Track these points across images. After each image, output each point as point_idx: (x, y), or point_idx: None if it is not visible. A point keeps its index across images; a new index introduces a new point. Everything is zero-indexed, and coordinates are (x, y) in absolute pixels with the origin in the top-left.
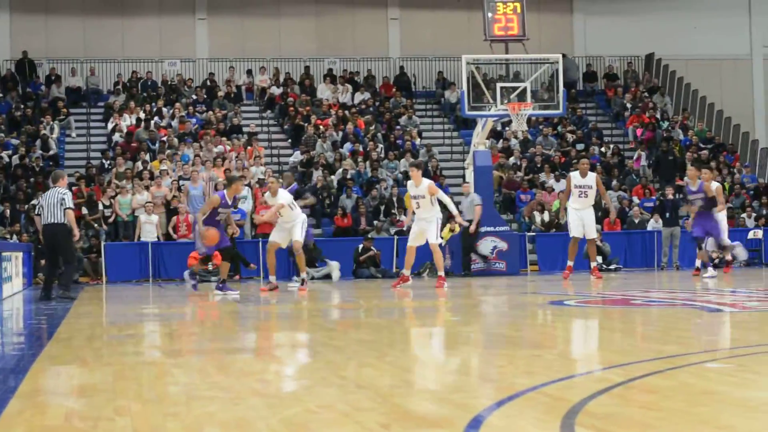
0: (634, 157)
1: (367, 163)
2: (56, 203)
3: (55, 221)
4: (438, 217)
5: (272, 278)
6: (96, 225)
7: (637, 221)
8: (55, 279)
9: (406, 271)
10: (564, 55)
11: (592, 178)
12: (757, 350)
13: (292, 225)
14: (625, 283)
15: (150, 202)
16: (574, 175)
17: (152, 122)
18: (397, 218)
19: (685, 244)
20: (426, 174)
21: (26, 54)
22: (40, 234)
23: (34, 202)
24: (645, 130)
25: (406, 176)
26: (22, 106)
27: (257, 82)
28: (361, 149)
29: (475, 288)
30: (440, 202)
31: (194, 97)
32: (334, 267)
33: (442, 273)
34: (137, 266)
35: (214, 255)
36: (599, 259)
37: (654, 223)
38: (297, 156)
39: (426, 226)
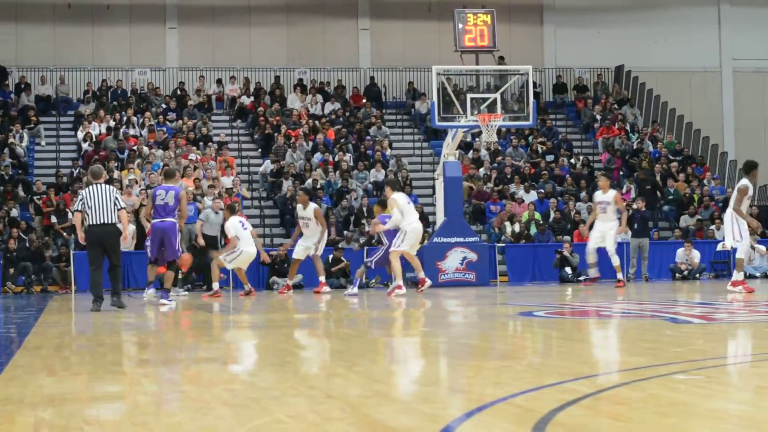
0: (623, 190)
1: (337, 173)
2: (109, 202)
3: (107, 221)
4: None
5: (290, 281)
6: (65, 234)
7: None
8: (100, 283)
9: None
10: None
11: (611, 194)
12: (726, 362)
13: (317, 239)
14: (594, 294)
15: None
16: (597, 194)
17: (121, 131)
18: (367, 229)
19: (654, 255)
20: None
21: None
22: (81, 232)
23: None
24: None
25: (377, 186)
26: None
27: (227, 92)
28: (331, 159)
29: (444, 299)
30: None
31: (164, 106)
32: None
33: (399, 282)
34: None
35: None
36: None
37: (623, 235)
38: (267, 165)
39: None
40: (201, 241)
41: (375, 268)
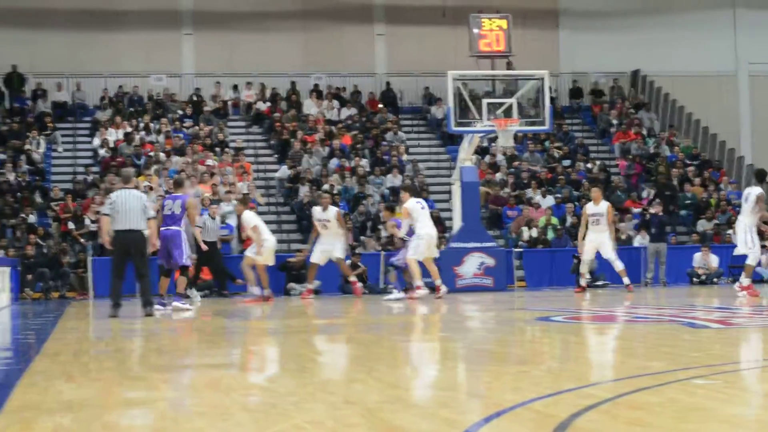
0: (644, 195)
1: (354, 178)
2: (138, 209)
3: (134, 227)
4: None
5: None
6: (83, 240)
7: (623, 237)
8: (120, 290)
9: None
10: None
11: (603, 206)
12: (744, 366)
13: (334, 240)
14: (612, 299)
15: None
16: (589, 205)
17: (138, 137)
18: (384, 234)
19: (671, 260)
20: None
21: (15, 68)
22: (106, 236)
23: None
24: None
25: (393, 192)
26: (8, 121)
27: (243, 98)
28: (347, 165)
29: (462, 304)
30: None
31: (180, 112)
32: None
33: (419, 282)
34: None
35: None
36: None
37: (640, 239)
38: (284, 171)
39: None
40: (204, 247)
41: (404, 265)
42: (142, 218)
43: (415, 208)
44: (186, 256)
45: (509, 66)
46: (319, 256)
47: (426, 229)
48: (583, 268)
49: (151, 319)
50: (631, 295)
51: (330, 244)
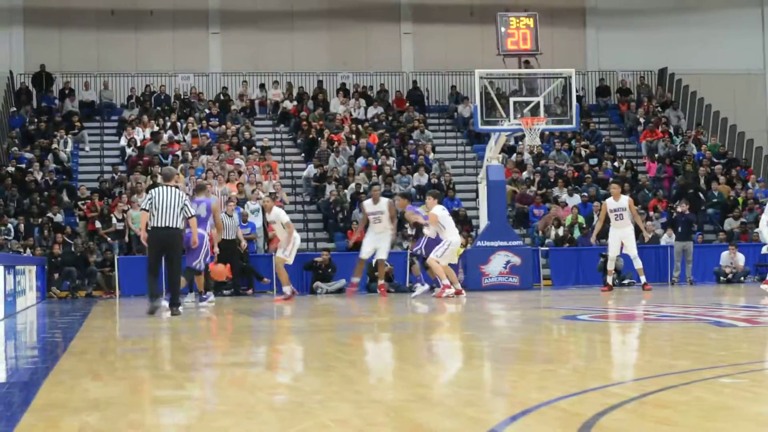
0: (677, 206)
1: (380, 177)
2: (176, 207)
3: (171, 225)
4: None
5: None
6: (109, 239)
7: (650, 236)
8: (155, 286)
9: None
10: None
11: (624, 200)
12: None
13: (383, 236)
14: (638, 297)
15: None
16: (609, 201)
17: (165, 136)
18: (409, 233)
19: (698, 259)
20: (439, 187)
21: (44, 67)
22: (144, 231)
23: (146, 196)
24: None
25: (419, 190)
26: (35, 120)
27: (270, 96)
28: (374, 163)
29: (487, 302)
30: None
31: (207, 111)
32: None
33: (446, 281)
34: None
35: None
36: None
37: (667, 238)
38: (310, 170)
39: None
40: (216, 250)
41: (425, 254)
42: (179, 216)
43: (443, 215)
44: (197, 262)
45: (527, 65)
46: (368, 251)
47: (455, 236)
48: (610, 266)
49: (177, 318)
50: (649, 294)
51: (378, 241)
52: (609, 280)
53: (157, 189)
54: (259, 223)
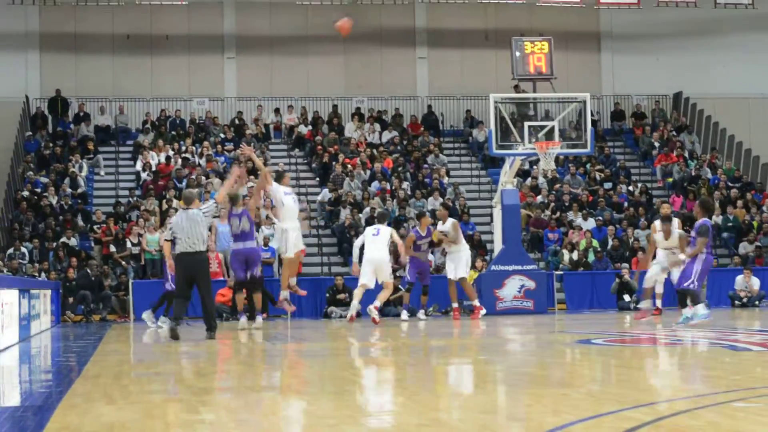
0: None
1: (395, 201)
2: (199, 231)
3: (197, 249)
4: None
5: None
6: (124, 263)
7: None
8: (182, 310)
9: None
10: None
11: (675, 238)
12: None
13: (461, 257)
14: (653, 321)
15: None
16: (659, 239)
17: (180, 160)
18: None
19: (712, 283)
20: (453, 212)
21: (59, 92)
22: (170, 260)
23: (168, 223)
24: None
25: (434, 215)
26: (51, 145)
27: (285, 121)
28: (388, 187)
29: (502, 326)
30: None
31: (222, 135)
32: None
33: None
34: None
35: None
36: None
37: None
38: (325, 194)
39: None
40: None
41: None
42: (204, 239)
43: (458, 226)
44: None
45: (536, 89)
46: (453, 273)
47: (467, 249)
48: (648, 283)
49: (192, 342)
50: (658, 318)
51: (457, 260)
52: (647, 304)
53: (176, 216)
54: (276, 246)
